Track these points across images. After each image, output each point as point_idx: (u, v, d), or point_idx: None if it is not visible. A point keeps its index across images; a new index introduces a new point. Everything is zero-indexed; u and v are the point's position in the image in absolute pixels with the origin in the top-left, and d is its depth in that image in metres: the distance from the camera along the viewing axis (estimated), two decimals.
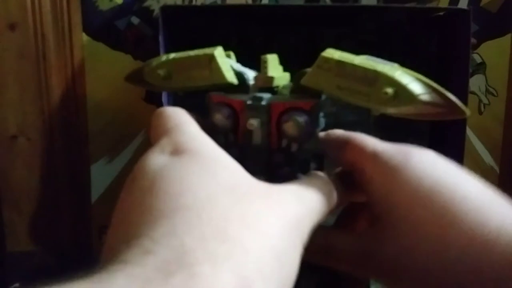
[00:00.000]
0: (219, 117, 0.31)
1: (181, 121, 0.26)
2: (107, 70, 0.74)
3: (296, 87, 0.33)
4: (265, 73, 0.33)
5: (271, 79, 0.33)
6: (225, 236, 0.20)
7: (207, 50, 0.32)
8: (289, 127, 0.30)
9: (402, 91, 0.27)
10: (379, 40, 0.70)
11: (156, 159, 0.24)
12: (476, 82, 0.76)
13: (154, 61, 0.34)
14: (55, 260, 0.78)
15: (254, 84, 0.34)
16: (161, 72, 0.33)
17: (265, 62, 0.33)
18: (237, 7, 0.70)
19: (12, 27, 0.72)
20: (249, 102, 0.31)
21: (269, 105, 0.31)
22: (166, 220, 0.20)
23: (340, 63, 0.29)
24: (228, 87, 0.32)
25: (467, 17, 0.62)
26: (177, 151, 0.24)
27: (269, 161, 0.32)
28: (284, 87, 0.33)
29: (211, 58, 0.31)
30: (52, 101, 0.74)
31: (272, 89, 0.33)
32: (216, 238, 0.20)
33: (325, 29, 0.69)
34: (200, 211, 0.21)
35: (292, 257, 0.22)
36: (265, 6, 0.73)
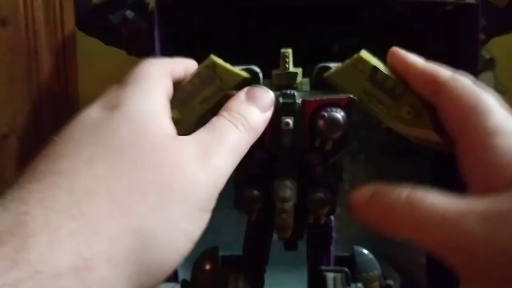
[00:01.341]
0: None
1: (144, 77, 0.26)
2: (100, 66, 0.72)
3: (317, 82, 0.31)
4: (287, 68, 0.31)
5: (295, 75, 0.31)
6: (77, 212, 0.19)
7: (203, 64, 0.30)
8: (325, 124, 0.28)
9: (420, 115, 0.29)
10: (385, 36, 0.68)
11: (92, 112, 0.24)
12: (484, 79, 0.75)
13: None
14: None
15: (269, 81, 0.32)
16: (174, 114, 0.30)
17: (287, 56, 0.31)
18: (235, 1, 0.68)
19: (3, 22, 0.70)
20: (282, 100, 0.29)
21: (303, 102, 0.29)
22: (35, 184, 0.20)
23: (374, 69, 0.29)
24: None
25: (475, 12, 0.61)
26: (114, 107, 0.23)
27: (301, 161, 0.30)
28: (302, 83, 0.31)
29: (214, 65, 0.30)
30: (44, 99, 0.73)
31: (290, 86, 0.31)
32: (66, 212, 0.19)
33: (329, 24, 0.68)
34: (69, 178, 0.20)
35: (166, 241, 0.21)
36: (264, 0, 0.72)
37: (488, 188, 0.22)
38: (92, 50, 0.72)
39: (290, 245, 0.34)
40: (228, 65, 0.30)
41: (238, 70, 0.31)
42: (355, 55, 0.29)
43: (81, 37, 0.71)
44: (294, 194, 0.29)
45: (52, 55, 0.72)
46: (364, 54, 0.29)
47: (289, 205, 0.29)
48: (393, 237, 0.25)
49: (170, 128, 0.24)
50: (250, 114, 0.27)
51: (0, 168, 0.74)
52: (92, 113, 0.24)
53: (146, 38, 0.70)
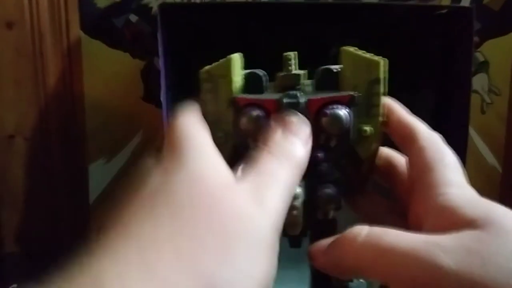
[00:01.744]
0: (250, 120, 0.30)
1: (187, 134, 0.26)
2: (104, 68, 0.73)
3: (319, 84, 0.32)
4: (290, 70, 0.32)
5: (298, 76, 0.32)
6: (150, 275, 0.19)
7: (201, 82, 0.31)
8: (329, 122, 0.29)
9: (375, 141, 0.30)
10: (381, 38, 0.69)
11: (152, 179, 0.24)
12: (479, 81, 0.76)
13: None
14: (52, 260, 0.77)
15: (273, 83, 0.32)
16: (219, 134, 0.30)
17: (290, 59, 0.31)
18: (236, 4, 0.69)
19: (9, 25, 0.71)
20: (286, 100, 0.30)
21: (307, 101, 0.30)
22: (109, 254, 0.20)
23: (377, 80, 0.30)
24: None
25: (470, 15, 0.62)
26: (171, 170, 0.24)
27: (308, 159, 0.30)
28: (305, 84, 0.32)
29: (206, 72, 0.31)
30: (49, 100, 0.73)
31: (294, 87, 0.31)
32: (139, 276, 0.19)
33: (327, 27, 0.69)
34: (138, 244, 0.20)
35: None
36: (265, 3, 0.73)
37: (440, 226, 0.24)
38: (97, 53, 0.72)
39: (295, 242, 0.34)
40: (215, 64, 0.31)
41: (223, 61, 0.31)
42: (378, 57, 0.30)
43: (86, 39, 0.72)
44: (303, 191, 0.30)
45: (57, 57, 0.72)
46: (383, 63, 0.30)
47: (299, 202, 0.29)
48: (353, 276, 0.27)
49: (225, 175, 0.24)
50: (294, 149, 0.27)
51: (7, 168, 0.75)
52: (153, 180, 0.24)
53: (149, 41, 0.71)
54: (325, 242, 0.28)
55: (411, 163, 0.29)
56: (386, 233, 0.24)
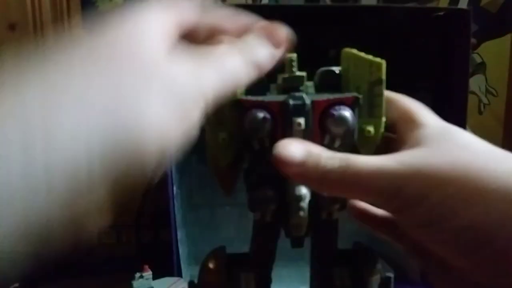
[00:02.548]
0: (255, 122, 0.29)
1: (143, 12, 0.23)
2: None
3: (320, 85, 0.32)
4: (293, 72, 0.31)
5: (302, 78, 0.32)
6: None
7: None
8: (335, 123, 0.29)
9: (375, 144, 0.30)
10: (379, 40, 0.70)
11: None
12: (476, 82, 0.76)
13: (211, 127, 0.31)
14: (54, 260, 0.78)
15: (274, 85, 0.32)
16: (222, 136, 0.30)
17: (293, 61, 0.31)
18: (236, 7, 0.70)
19: (12, 27, 0.72)
20: (292, 102, 0.30)
21: (312, 102, 0.30)
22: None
23: (380, 81, 0.30)
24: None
25: (467, 17, 0.63)
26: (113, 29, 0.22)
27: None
28: (307, 86, 0.32)
29: None
30: None
31: (297, 89, 0.31)
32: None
33: (325, 29, 0.69)
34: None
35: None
36: (265, 6, 0.73)
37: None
38: None
39: (298, 242, 0.34)
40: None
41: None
42: (379, 59, 0.31)
43: None
44: (309, 192, 0.30)
45: None
46: (384, 65, 0.31)
47: (306, 202, 0.30)
48: (327, 194, 0.29)
49: (160, 43, 0.22)
50: (256, 46, 0.25)
51: None
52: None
53: None
54: (295, 153, 0.27)
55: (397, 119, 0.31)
56: (358, 160, 0.26)
